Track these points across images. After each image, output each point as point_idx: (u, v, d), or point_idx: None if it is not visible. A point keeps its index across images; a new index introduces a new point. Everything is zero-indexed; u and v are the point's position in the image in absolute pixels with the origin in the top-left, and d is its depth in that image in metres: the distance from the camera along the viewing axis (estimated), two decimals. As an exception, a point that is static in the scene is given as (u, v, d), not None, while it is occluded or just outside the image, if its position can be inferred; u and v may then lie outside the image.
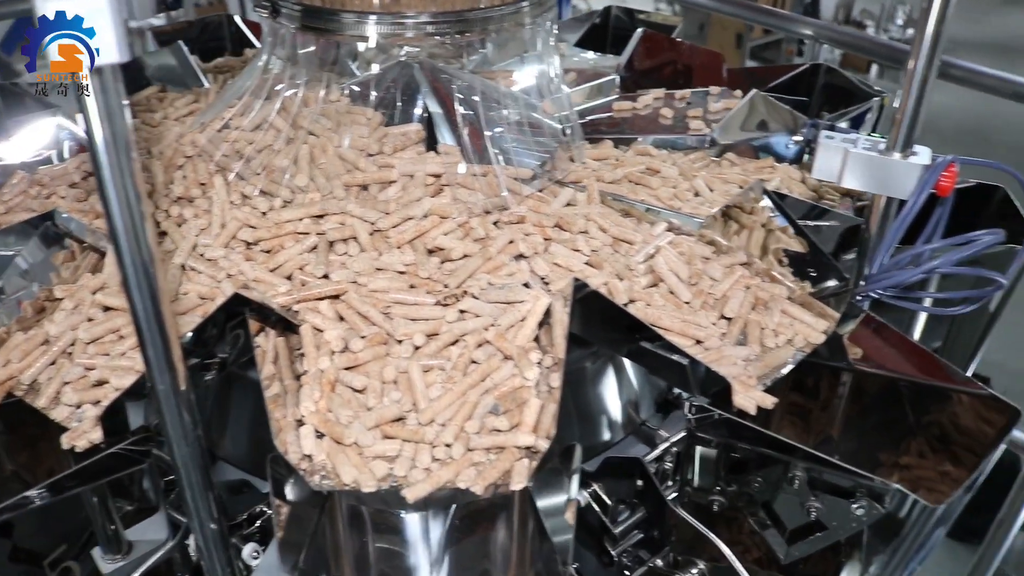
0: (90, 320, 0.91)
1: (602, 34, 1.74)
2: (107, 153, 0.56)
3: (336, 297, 0.90)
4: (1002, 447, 0.82)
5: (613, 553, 1.03)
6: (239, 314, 0.85)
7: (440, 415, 0.79)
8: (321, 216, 0.98)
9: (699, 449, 0.97)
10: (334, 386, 0.82)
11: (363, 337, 0.86)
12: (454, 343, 0.85)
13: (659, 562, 1.01)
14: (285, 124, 1.07)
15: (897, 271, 0.92)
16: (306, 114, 1.07)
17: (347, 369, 0.84)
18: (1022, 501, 1.85)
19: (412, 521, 0.80)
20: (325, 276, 0.92)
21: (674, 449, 1.05)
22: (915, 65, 0.87)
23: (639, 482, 1.01)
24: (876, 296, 0.97)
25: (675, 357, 0.81)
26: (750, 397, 0.82)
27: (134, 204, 0.58)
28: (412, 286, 0.91)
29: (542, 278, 0.93)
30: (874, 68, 6.82)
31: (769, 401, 0.82)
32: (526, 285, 0.92)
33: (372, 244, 0.96)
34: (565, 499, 0.78)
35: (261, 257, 0.96)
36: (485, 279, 0.91)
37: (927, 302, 1.02)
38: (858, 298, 0.98)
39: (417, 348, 0.85)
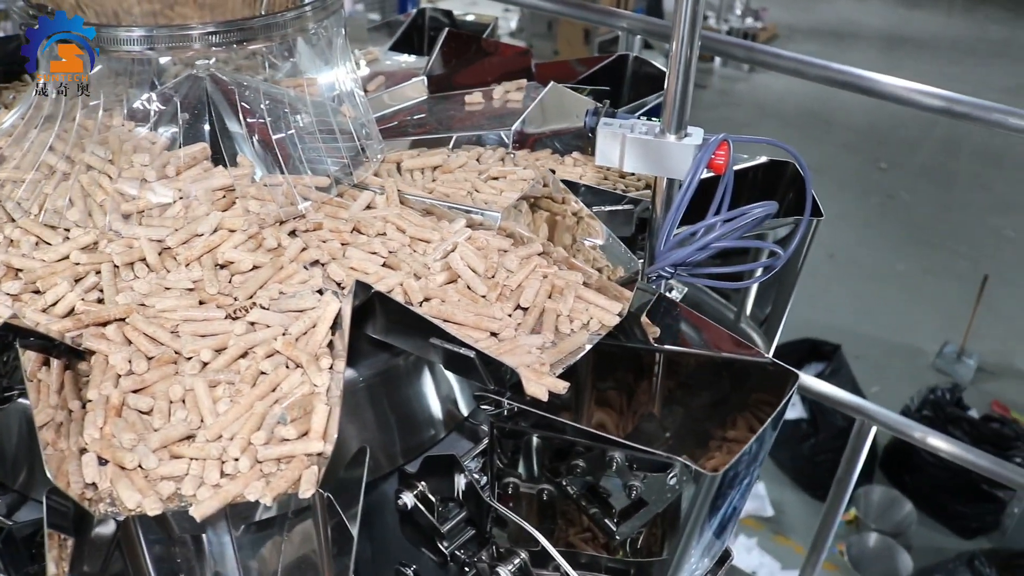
0: None
1: (418, 36, 1.75)
2: None
3: (122, 320, 0.87)
4: (782, 409, 0.86)
5: (446, 552, 1.03)
6: (11, 346, 0.81)
7: (227, 429, 0.77)
8: (93, 246, 0.95)
9: (519, 440, 0.98)
10: (119, 410, 0.80)
11: (150, 358, 0.83)
12: (243, 355, 0.84)
13: (484, 556, 1.02)
14: (59, 158, 1.02)
15: (678, 249, 0.95)
16: (84, 144, 1.03)
17: (134, 392, 0.81)
18: (857, 458, 1.96)
19: (215, 539, 0.79)
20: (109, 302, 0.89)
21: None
22: (678, 47, 0.90)
23: (460, 478, 1.01)
24: (667, 275, 1.00)
25: (463, 351, 0.81)
26: (541, 384, 0.83)
27: None
28: (201, 302, 0.89)
29: (338, 283, 0.93)
30: (718, 58, 7.10)
31: (561, 386, 0.84)
32: (320, 292, 0.91)
33: (160, 264, 0.93)
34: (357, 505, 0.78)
35: (32, 298, 0.91)
36: (276, 289, 0.90)
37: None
38: (651, 279, 1.01)
39: (205, 364, 0.83)
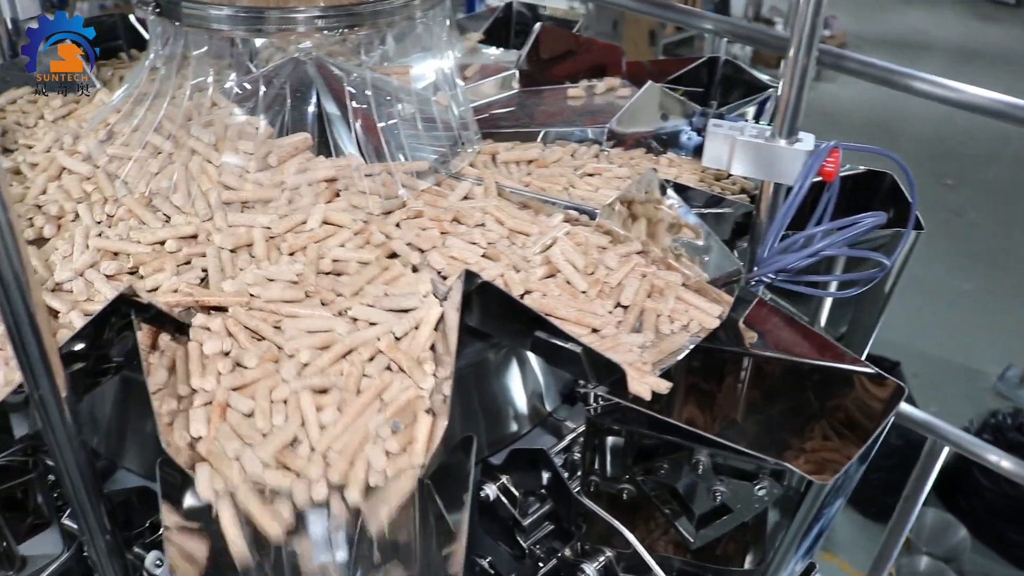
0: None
1: (505, 29, 1.75)
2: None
3: (224, 309, 0.87)
4: (889, 423, 0.85)
5: (524, 545, 1.03)
6: (126, 316, 0.82)
7: (336, 442, 0.75)
8: (194, 236, 0.95)
9: (606, 438, 0.98)
10: (224, 412, 0.78)
11: (252, 354, 0.81)
12: (347, 354, 0.83)
13: (568, 552, 1.02)
14: (165, 140, 1.04)
15: (785, 255, 0.94)
16: (190, 127, 1.04)
17: (236, 390, 0.79)
18: (927, 478, 1.92)
19: (312, 521, 0.78)
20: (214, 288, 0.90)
21: (581, 439, 1.06)
22: (795, 53, 0.89)
23: (546, 473, 1.01)
24: (768, 281, 0.99)
25: (569, 346, 0.81)
26: (645, 383, 0.82)
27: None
28: (308, 294, 0.88)
29: (439, 272, 0.93)
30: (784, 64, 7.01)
31: (664, 386, 0.83)
32: (423, 288, 0.90)
33: (264, 254, 0.93)
34: (466, 493, 0.77)
35: (129, 279, 0.91)
36: (381, 288, 0.89)
37: (830, 286, 1.05)
38: (752, 283, 1.00)
39: (306, 364, 0.81)
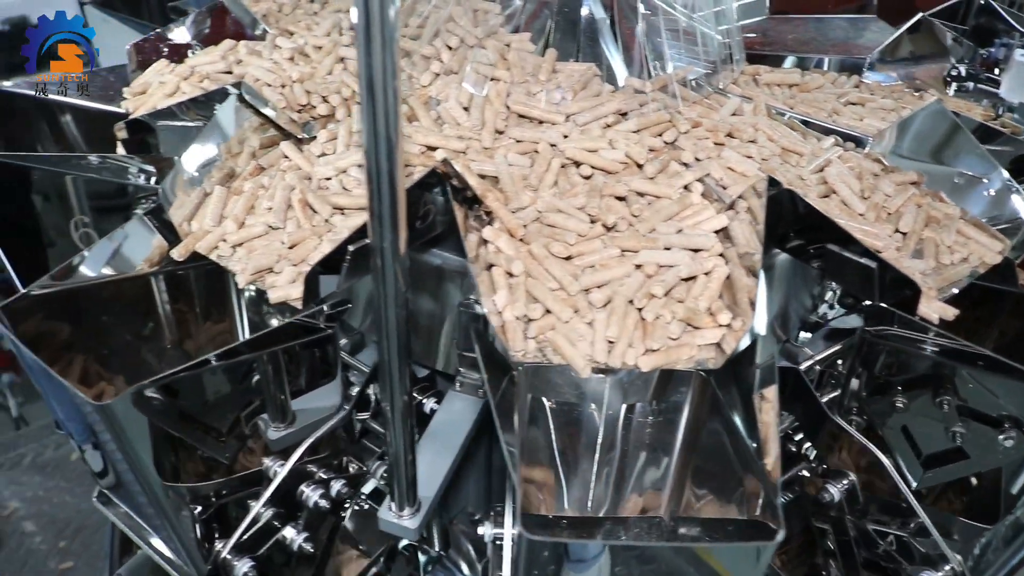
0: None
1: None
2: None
3: (520, 238, 0.84)
4: None
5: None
6: (436, 188, 0.85)
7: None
8: (463, 152, 0.94)
9: (842, 366, 0.96)
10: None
11: (545, 290, 0.79)
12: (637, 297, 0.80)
13: (806, 473, 1.02)
14: (447, 45, 1.05)
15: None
16: (475, 32, 1.05)
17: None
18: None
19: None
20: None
21: (817, 367, 1.05)
22: None
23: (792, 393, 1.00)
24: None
25: (864, 260, 0.80)
26: (933, 308, 0.82)
27: (389, 66, 0.58)
28: (593, 221, 0.86)
29: (718, 180, 0.93)
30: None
31: (951, 312, 0.82)
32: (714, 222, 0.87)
33: (554, 177, 0.91)
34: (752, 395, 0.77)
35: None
36: (672, 224, 0.86)
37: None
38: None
39: (605, 304, 0.79)
